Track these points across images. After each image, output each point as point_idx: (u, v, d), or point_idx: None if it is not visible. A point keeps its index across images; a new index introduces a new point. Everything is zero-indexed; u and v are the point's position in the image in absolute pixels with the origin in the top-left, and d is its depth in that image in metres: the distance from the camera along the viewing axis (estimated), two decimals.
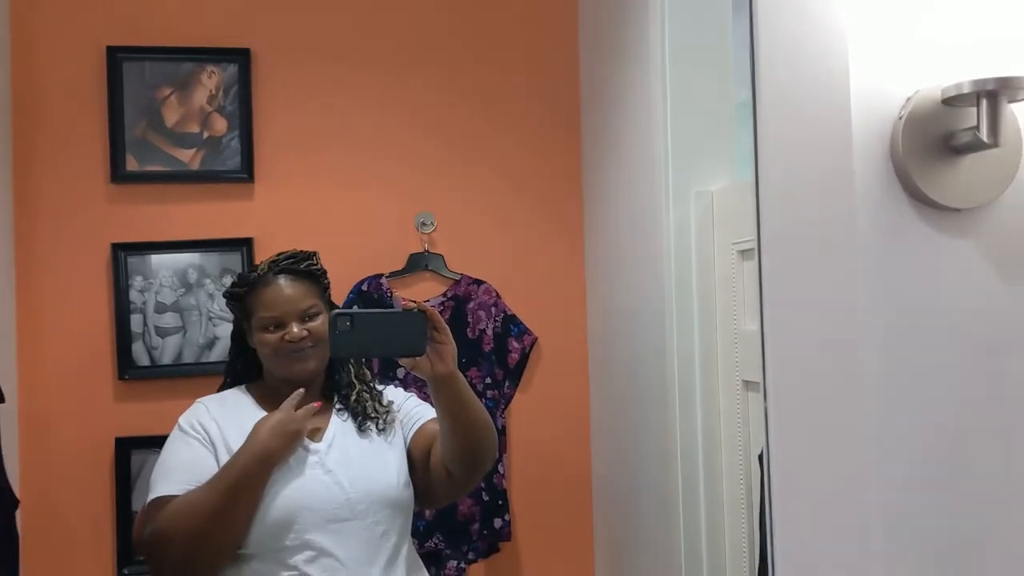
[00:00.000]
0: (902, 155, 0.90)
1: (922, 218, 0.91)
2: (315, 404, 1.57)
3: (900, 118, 0.90)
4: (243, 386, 1.70)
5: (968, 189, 0.89)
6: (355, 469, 1.60)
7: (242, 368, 1.74)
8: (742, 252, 1.75)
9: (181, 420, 1.63)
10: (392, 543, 1.61)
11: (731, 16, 1.88)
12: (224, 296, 1.71)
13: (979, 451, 0.93)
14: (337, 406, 1.68)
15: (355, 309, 1.45)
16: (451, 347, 1.48)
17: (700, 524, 1.83)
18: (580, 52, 2.46)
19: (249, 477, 1.48)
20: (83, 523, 2.25)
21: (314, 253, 1.69)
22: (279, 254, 1.67)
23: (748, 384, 1.76)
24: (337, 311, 1.42)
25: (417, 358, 1.46)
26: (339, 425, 1.65)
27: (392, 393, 1.76)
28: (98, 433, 2.24)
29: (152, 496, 1.53)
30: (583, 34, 2.45)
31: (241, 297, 1.65)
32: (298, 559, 1.52)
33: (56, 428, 2.24)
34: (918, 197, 0.91)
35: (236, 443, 1.55)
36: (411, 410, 1.72)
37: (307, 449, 1.60)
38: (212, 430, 1.58)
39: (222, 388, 1.75)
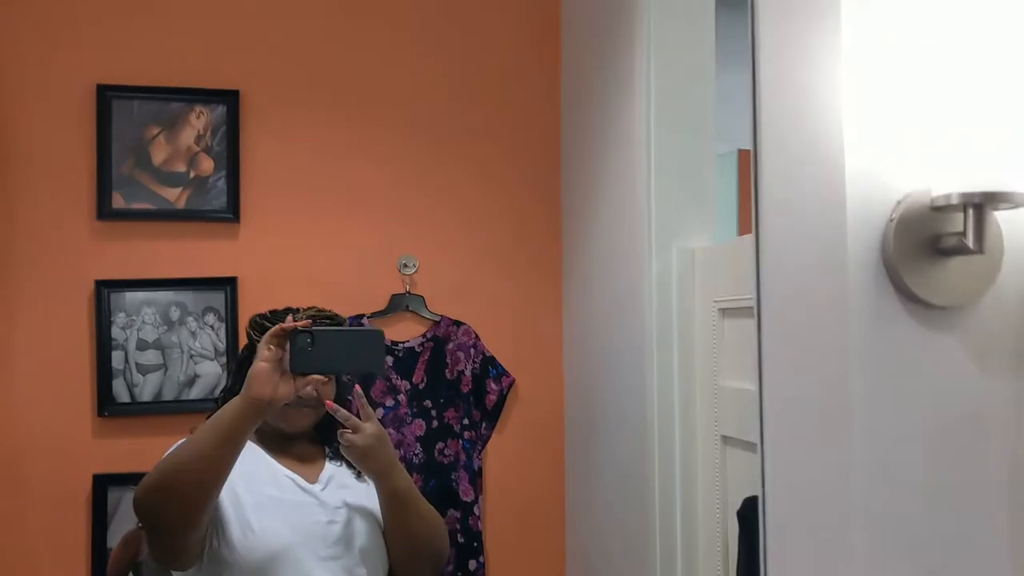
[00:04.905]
0: (892, 254, 0.96)
1: (909, 313, 0.97)
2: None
3: (891, 220, 0.97)
4: None
5: (953, 289, 0.96)
6: (350, 509, 1.65)
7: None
8: (722, 310, 1.81)
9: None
10: None
11: (712, 80, 1.95)
12: (250, 323, 1.74)
13: (957, 524, 1.00)
14: (329, 454, 1.72)
15: (314, 327, 1.47)
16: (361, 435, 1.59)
17: (676, 573, 1.88)
18: (562, 105, 2.52)
19: (235, 423, 1.43)
20: (58, 559, 2.23)
21: (345, 320, 1.77)
22: (320, 310, 1.73)
23: (726, 439, 1.82)
24: (298, 329, 1.44)
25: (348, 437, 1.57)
26: (333, 470, 1.70)
27: None
28: (76, 469, 2.24)
29: None
30: (565, 88, 2.51)
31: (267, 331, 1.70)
32: None
33: (32, 463, 2.23)
34: (906, 294, 0.97)
35: (236, 478, 1.56)
36: None
37: (304, 489, 1.65)
38: None
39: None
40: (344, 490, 1.69)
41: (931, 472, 0.98)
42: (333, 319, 1.76)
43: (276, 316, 1.76)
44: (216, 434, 1.44)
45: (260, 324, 1.76)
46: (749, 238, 1.83)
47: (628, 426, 2.05)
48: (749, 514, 1.67)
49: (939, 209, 0.94)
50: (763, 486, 1.15)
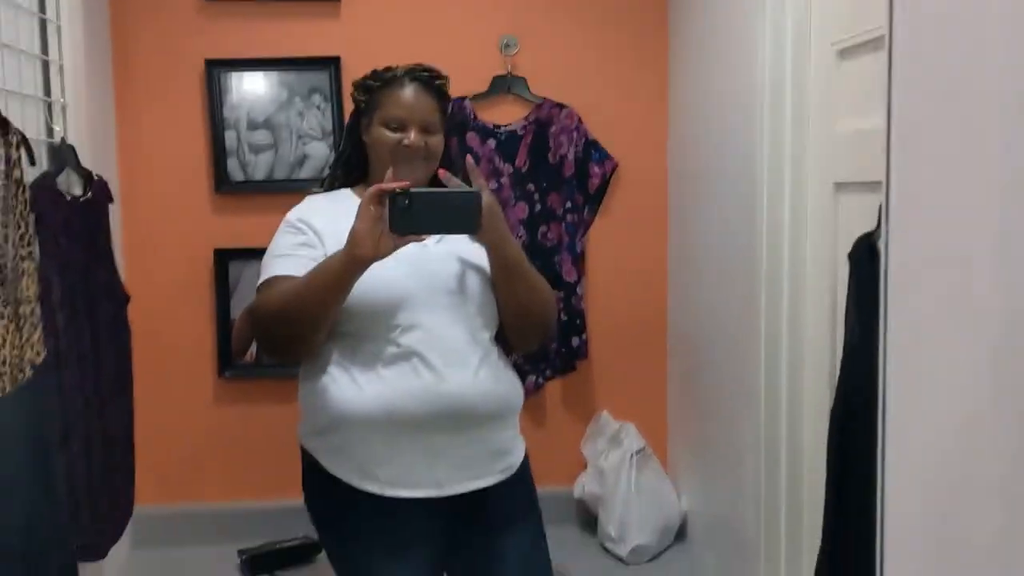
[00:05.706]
0: None
1: None
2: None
3: None
4: (350, 189, 1.76)
5: None
6: (463, 263, 1.68)
7: (344, 169, 1.80)
8: (840, 51, 1.74)
9: (289, 215, 1.69)
10: (489, 336, 1.69)
11: None
12: (354, 85, 1.74)
13: None
14: None
15: (412, 189, 1.48)
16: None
17: (782, 323, 1.88)
18: None
19: (339, 278, 1.50)
20: (186, 327, 2.38)
21: (447, 77, 1.73)
22: (417, 64, 1.71)
23: (839, 186, 1.78)
24: (396, 190, 1.45)
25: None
26: None
27: None
28: (198, 243, 2.35)
29: (262, 280, 1.62)
30: None
31: (372, 90, 1.70)
32: (410, 337, 1.59)
33: (157, 237, 2.35)
34: None
35: (342, 238, 1.61)
36: None
37: (419, 242, 1.68)
38: (318, 225, 1.64)
39: (326, 185, 1.81)
40: (457, 245, 1.71)
41: None
42: (431, 72, 1.72)
43: (377, 75, 1.74)
44: (323, 284, 1.50)
45: (363, 84, 1.75)
46: None
47: (736, 184, 2.02)
48: (862, 251, 1.64)
49: None
50: (887, 196, 1.08)
